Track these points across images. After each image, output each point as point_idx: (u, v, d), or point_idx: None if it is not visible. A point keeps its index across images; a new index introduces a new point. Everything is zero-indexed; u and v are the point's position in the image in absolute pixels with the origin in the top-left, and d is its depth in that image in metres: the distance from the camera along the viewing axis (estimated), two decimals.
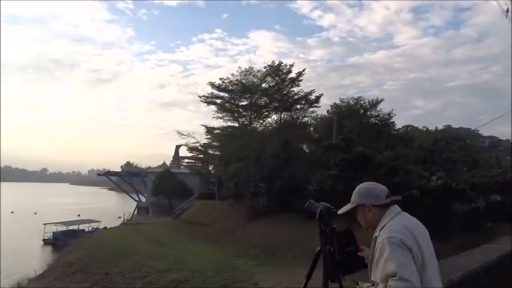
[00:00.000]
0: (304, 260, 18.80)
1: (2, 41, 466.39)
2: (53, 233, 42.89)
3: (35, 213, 69.57)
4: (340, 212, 2.59)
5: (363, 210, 2.47)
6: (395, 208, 2.42)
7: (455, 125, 71.35)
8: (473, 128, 59.21)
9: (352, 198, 2.53)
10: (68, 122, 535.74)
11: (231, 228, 29.90)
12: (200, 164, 51.73)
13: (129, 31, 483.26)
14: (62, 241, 39.12)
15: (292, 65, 37.71)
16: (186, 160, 64.26)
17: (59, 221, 46.10)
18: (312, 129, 41.44)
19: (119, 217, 56.84)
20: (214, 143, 45.34)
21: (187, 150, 50.13)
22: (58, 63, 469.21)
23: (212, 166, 48.78)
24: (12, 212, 71.49)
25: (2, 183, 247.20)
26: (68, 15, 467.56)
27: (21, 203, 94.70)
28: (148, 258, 22.49)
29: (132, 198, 63.27)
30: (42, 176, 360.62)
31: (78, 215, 59.90)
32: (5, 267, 31.33)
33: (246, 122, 39.77)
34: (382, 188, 2.48)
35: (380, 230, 2.31)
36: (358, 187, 2.55)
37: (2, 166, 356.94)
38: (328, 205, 2.59)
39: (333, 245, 2.48)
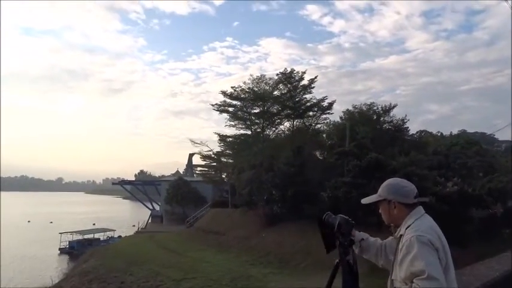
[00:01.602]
0: (319, 268, 18.66)
1: (18, 53, 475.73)
2: (69, 242, 43.33)
3: (51, 222, 70.43)
4: (364, 201, 2.60)
5: (388, 205, 2.47)
6: (421, 209, 2.42)
7: (470, 130, 70.50)
8: (488, 133, 58.45)
9: (380, 191, 2.53)
10: (82, 132, 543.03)
11: (244, 236, 29.86)
12: (213, 172, 51.83)
13: (141, 41, 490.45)
14: (77, 250, 39.54)
15: (304, 72, 37.73)
16: (199, 168, 64.46)
17: (75, 229, 46.64)
18: (324, 135, 41.31)
19: (133, 226, 57.22)
20: (227, 151, 45.46)
21: (201, 158, 50.35)
22: (72, 74, 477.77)
23: (225, 174, 48.84)
24: (28, 221, 72.54)
25: (18, 192, 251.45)
26: (81, 26, 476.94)
27: (37, 212, 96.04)
28: (163, 266, 22.57)
29: (146, 206, 63.66)
30: (58, 185, 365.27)
31: (93, 224, 60.49)
32: (22, 276, 31.81)
33: (259, 130, 39.85)
34: (412, 187, 2.47)
35: (406, 229, 2.31)
36: (387, 181, 2.54)
37: (18, 176, 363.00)
38: (347, 217, 2.57)
39: (353, 257, 2.49)
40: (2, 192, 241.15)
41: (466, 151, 36.69)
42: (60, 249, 42.62)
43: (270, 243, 26.52)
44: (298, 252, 23.41)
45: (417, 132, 47.39)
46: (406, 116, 38.26)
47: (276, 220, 29.09)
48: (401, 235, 2.33)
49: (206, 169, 54.64)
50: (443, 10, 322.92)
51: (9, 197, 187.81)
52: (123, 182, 73.55)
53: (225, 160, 46.81)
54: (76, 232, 45.02)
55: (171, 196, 52.66)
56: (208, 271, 21.27)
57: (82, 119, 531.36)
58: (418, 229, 2.23)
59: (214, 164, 49.71)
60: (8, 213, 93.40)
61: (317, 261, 19.79)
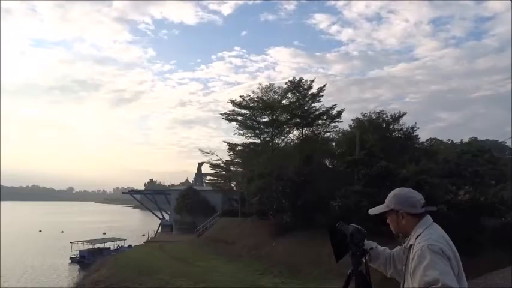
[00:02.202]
0: (330, 278, 18.55)
1: (30, 65, 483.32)
2: (80, 251, 43.45)
3: (62, 231, 70.76)
4: (371, 212, 2.60)
5: (396, 215, 2.47)
6: (429, 218, 2.42)
7: (481, 137, 69.56)
8: (500, 140, 57.75)
9: (387, 202, 2.53)
10: (92, 141, 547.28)
11: (254, 246, 29.77)
12: (223, 181, 51.83)
13: (150, 51, 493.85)
14: (88, 259, 39.64)
15: (312, 81, 37.81)
16: (208, 177, 64.48)
17: (85, 239, 46.79)
18: (334, 144, 41.20)
19: (143, 235, 57.27)
20: (237, 160, 45.54)
21: (210, 167, 50.40)
22: (82, 84, 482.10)
23: (235, 183, 48.83)
24: (40, 231, 72.97)
25: (29, 202, 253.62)
26: (91, 38, 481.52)
27: (48, 221, 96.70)
28: (173, 276, 22.57)
29: (156, 216, 63.73)
30: (69, 195, 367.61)
31: (104, 233, 60.68)
32: (34, 285, 31.97)
33: (268, 139, 39.92)
34: (419, 197, 2.47)
35: (416, 238, 2.30)
36: (394, 192, 2.54)
37: (29, 185, 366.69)
38: (359, 227, 2.58)
39: (366, 267, 2.49)
40: (14, 202, 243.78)
41: (478, 159, 36.31)
42: (71, 258, 42.76)
43: (280, 252, 26.41)
44: (308, 261, 23.27)
45: (427, 140, 47.07)
46: (415, 124, 38.10)
47: (286, 229, 28.96)
48: (411, 245, 2.33)
49: (215, 178, 54.65)
50: (452, 17, 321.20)
51: (20, 207, 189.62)
52: (133, 192, 73.84)
53: (234, 169, 46.83)
54: (87, 241, 45.16)
55: (180, 205, 52.72)
56: (218, 280, 21.23)
57: (92, 128, 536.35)
58: (429, 238, 2.23)
59: (224, 173, 49.75)
60: (19, 223, 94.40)
61: (328, 271, 19.66)
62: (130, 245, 47.85)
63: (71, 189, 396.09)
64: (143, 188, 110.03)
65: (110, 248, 46.06)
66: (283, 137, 40.62)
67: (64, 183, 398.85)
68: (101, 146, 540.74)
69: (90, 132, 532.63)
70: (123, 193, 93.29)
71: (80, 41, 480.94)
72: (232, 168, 47.05)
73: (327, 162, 38.93)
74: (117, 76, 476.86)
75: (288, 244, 26.81)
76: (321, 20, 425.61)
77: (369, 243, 2.63)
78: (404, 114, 38.01)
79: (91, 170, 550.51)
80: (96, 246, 44.91)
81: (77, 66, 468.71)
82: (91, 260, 37.72)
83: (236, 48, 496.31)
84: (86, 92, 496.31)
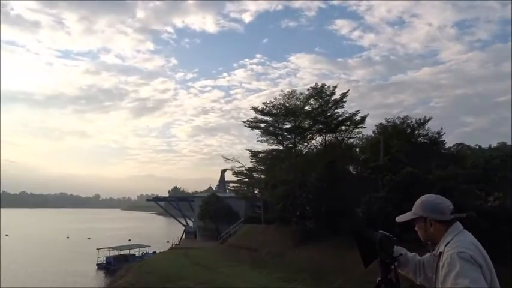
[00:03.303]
0: (355, 285, 18.25)
1: (57, 75, 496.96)
2: (106, 257, 44.14)
3: (89, 238, 72.11)
4: (398, 219, 2.56)
5: (424, 223, 2.42)
6: (458, 225, 2.36)
7: (509, 142, 67.47)
8: None
9: (414, 209, 2.48)
10: (117, 150, 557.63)
11: (278, 253, 29.63)
12: (246, 188, 51.91)
13: (173, 60, 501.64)
14: (114, 265, 40.25)
15: (335, 87, 37.59)
16: (231, 184, 64.71)
17: (111, 245, 47.54)
18: (357, 150, 40.74)
19: (168, 241, 57.86)
20: (259, 167, 45.54)
21: (233, 174, 50.64)
22: (107, 94, 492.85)
23: (258, 190, 48.82)
24: (67, 238, 74.53)
25: (57, 209, 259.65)
26: (115, 48, 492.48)
27: (76, 228, 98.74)
28: (197, 283, 22.67)
29: (180, 222, 64.24)
30: (95, 202, 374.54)
31: (129, 240, 61.51)
32: None
33: (291, 145, 39.81)
34: (447, 204, 2.41)
35: (445, 246, 2.25)
36: (422, 198, 2.49)
37: (57, 193, 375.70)
38: (388, 233, 2.51)
39: (396, 275, 2.43)
40: (43, 209, 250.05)
41: (507, 164, 35.21)
42: (97, 264, 43.49)
43: (304, 259, 26.20)
44: (332, 269, 22.99)
45: (454, 145, 45.96)
46: (441, 129, 37.31)
47: (309, 236, 28.74)
48: (440, 253, 2.27)
49: (238, 185, 54.80)
50: (477, 20, 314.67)
51: (49, 214, 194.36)
52: (157, 199, 74.77)
53: (257, 176, 46.84)
54: (112, 248, 45.88)
55: (204, 212, 53.01)
56: (242, 287, 21.19)
57: (117, 137, 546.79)
58: (459, 245, 2.17)
59: (247, 179, 49.83)
60: (48, 229, 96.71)
61: (352, 279, 19.38)
62: (154, 252, 48.39)
63: (97, 196, 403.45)
64: (167, 195, 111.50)
65: (135, 254, 46.65)
66: (306, 144, 40.49)
67: (90, 191, 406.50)
68: (126, 154, 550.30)
69: (114, 140, 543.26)
70: (147, 200, 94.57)
71: (104, 51, 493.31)
72: (255, 175, 47.07)
73: (350, 168, 38.51)
74: (140, 85, 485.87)
75: (312, 251, 26.57)
76: (342, 26, 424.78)
77: (398, 250, 2.57)
78: (429, 119, 37.28)
79: (116, 178, 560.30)
80: (122, 252, 45.57)
81: (102, 76, 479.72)
82: (117, 266, 38.28)
83: (257, 55, 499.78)
84: (111, 102, 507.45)
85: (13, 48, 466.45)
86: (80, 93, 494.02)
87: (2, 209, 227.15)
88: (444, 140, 38.19)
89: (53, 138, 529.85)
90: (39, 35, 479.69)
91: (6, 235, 78.10)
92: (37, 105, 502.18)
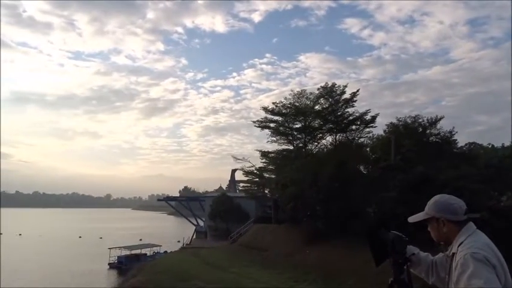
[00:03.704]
0: (366, 286, 18.16)
1: (69, 76, 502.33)
2: (118, 257, 44.50)
3: (101, 237, 72.79)
4: (410, 220, 2.54)
5: (437, 223, 2.40)
6: (472, 225, 2.34)
7: None
8: None
9: (427, 209, 2.46)
10: (128, 150, 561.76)
11: (288, 253, 29.59)
12: (256, 188, 51.94)
13: (183, 60, 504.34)
14: (125, 265, 40.56)
15: (345, 86, 37.51)
16: (242, 184, 64.80)
17: (122, 245, 47.93)
18: (368, 149, 40.52)
19: (178, 241, 58.13)
20: (270, 167, 45.54)
21: (243, 174, 50.68)
22: (118, 94, 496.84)
23: (268, 190, 48.83)
24: (80, 237, 75.30)
25: (69, 209, 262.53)
26: (126, 49, 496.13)
27: (88, 227, 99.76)
28: (207, 282, 22.74)
29: (191, 222, 64.52)
30: (107, 202, 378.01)
31: (140, 239, 61.95)
32: None
33: (301, 145, 39.78)
34: (460, 204, 2.38)
35: (458, 247, 2.23)
36: (435, 198, 2.46)
37: (70, 193, 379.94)
38: (400, 234, 2.50)
39: (408, 276, 2.41)
40: (56, 209, 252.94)
41: None
42: (109, 264, 43.86)
43: (314, 259, 26.13)
44: (343, 269, 22.89)
45: (466, 144, 45.43)
46: (454, 128, 36.93)
47: (320, 236, 28.65)
48: (453, 253, 2.25)
49: (249, 185, 54.83)
50: (489, 18, 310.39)
51: (62, 213, 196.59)
52: (167, 198, 75.20)
53: (267, 176, 46.86)
54: (124, 247, 46.24)
55: (214, 212, 53.15)
56: (252, 287, 21.21)
57: (128, 137, 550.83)
58: (472, 246, 2.15)
59: (257, 179, 49.87)
60: (61, 229, 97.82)
61: (363, 279, 19.28)
62: (166, 251, 48.67)
63: (108, 196, 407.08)
64: (178, 194, 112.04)
65: (146, 254, 46.97)
66: (316, 143, 40.42)
67: (102, 191, 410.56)
68: (137, 154, 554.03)
69: (126, 140, 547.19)
70: (158, 200, 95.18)
71: (115, 52, 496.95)
72: (265, 175, 47.09)
73: (361, 168, 38.31)
74: (151, 86, 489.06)
75: (322, 251, 26.48)
76: (352, 25, 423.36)
77: (410, 249, 2.55)
78: (441, 118, 36.91)
79: (127, 178, 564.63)
80: (133, 252, 45.91)
81: (113, 77, 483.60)
82: (128, 266, 38.57)
83: (267, 55, 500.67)
84: (122, 102, 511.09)
85: (26, 50, 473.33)
86: (92, 94, 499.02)
87: (16, 209, 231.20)
88: (456, 139, 37.78)
89: (65, 139, 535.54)
90: (51, 37, 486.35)
91: (20, 234, 79.23)
92: (49, 106, 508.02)
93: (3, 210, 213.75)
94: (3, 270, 39.31)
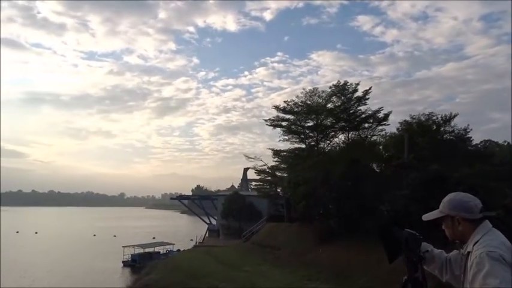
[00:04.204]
0: (379, 285, 18.06)
1: (82, 76, 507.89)
2: (132, 255, 44.91)
3: (115, 236, 73.51)
4: (425, 218, 2.51)
5: (452, 222, 2.36)
6: (487, 224, 2.30)
7: None
8: None
9: (441, 207, 2.42)
10: (141, 149, 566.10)
11: (300, 251, 29.55)
12: (268, 187, 51.95)
13: (195, 59, 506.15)
14: (139, 263, 40.92)
15: (358, 84, 37.29)
16: (254, 183, 64.92)
17: (136, 243, 48.38)
18: (381, 147, 40.20)
19: (191, 240, 58.46)
20: (282, 165, 45.48)
21: (255, 173, 50.75)
22: (131, 94, 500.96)
23: (280, 188, 48.81)
24: (94, 235, 76.18)
25: (85, 207, 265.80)
26: (138, 49, 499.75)
27: (102, 226, 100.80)
28: (220, 281, 22.82)
29: (203, 221, 64.78)
30: (120, 200, 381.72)
31: (153, 238, 62.42)
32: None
33: (313, 143, 39.62)
34: (476, 202, 2.33)
35: (474, 245, 2.19)
36: (449, 196, 2.42)
37: (84, 192, 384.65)
38: (414, 232, 2.47)
39: (423, 274, 2.38)
40: (71, 208, 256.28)
41: None
42: (123, 262, 44.28)
43: (327, 258, 26.05)
44: (356, 267, 22.78)
45: (481, 142, 44.80)
46: (468, 125, 36.43)
47: (332, 235, 28.55)
48: (469, 252, 2.21)
49: (261, 183, 54.88)
50: (504, 13, 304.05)
51: (76, 212, 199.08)
52: (180, 197, 75.57)
53: (279, 174, 46.83)
54: (138, 246, 46.65)
55: (227, 210, 53.29)
56: (265, 286, 21.25)
57: (140, 136, 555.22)
58: (488, 244, 2.11)
59: (269, 178, 49.88)
60: (76, 227, 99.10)
61: (376, 277, 19.17)
62: (178, 249, 48.98)
63: (122, 195, 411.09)
64: (190, 193, 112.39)
65: (159, 252, 47.33)
66: (328, 142, 40.25)
67: (116, 190, 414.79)
68: (149, 153, 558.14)
69: (139, 139, 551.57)
70: (171, 198, 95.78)
71: (127, 52, 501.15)
72: (277, 173, 47.06)
73: (374, 166, 38.05)
74: (163, 85, 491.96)
75: (335, 250, 26.39)
76: (364, 22, 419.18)
77: (424, 246, 2.50)
78: (455, 115, 36.45)
79: (141, 177, 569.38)
80: (147, 250, 46.28)
81: (126, 77, 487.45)
82: (142, 264, 38.90)
83: (278, 53, 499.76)
84: (134, 102, 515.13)
85: (40, 51, 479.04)
86: (105, 94, 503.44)
87: (32, 208, 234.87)
88: (471, 137, 37.25)
89: (80, 138, 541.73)
90: (65, 37, 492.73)
91: (36, 233, 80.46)
92: (64, 106, 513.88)
93: (20, 209, 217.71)
94: (20, 267, 40.09)
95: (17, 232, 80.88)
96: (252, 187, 67.65)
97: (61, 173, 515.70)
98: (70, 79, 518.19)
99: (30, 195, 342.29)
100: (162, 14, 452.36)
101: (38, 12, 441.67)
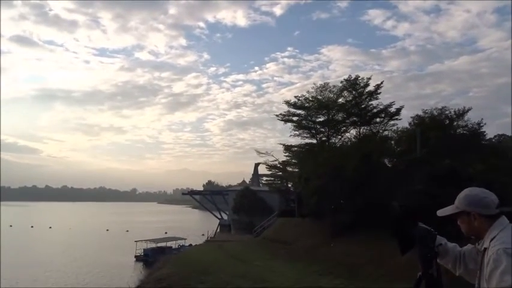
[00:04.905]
0: (392, 279, 18.00)
1: (94, 73, 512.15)
2: (144, 249, 45.36)
3: (127, 230, 74.32)
4: (439, 213, 2.49)
5: (468, 217, 2.34)
6: (504, 220, 2.28)
7: None
8: None
9: (457, 203, 2.40)
10: (152, 144, 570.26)
11: (312, 246, 29.54)
12: (279, 182, 52.00)
13: (205, 55, 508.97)
14: (151, 257, 41.30)
15: (369, 78, 37.00)
16: (265, 178, 65.00)
17: (148, 238, 48.86)
18: (393, 142, 39.90)
19: (203, 234, 58.86)
20: (293, 160, 45.46)
21: (266, 168, 50.86)
22: (142, 90, 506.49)
23: (291, 183, 48.81)
24: (107, 230, 77.12)
25: (98, 203, 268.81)
26: (149, 45, 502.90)
27: (114, 221, 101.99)
28: (232, 276, 22.92)
29: (215, 216, 65.14)
30: (132, 196, 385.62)
31: (165, 233, 62.96)
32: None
33: (324, 138, 39.51)
34: (493, 198, 2.31)
35: (490, 241, 2.17)
36: (465, 192, 2.40)
37: (97, 187, 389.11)
38: (429, 227, 2.47)
39: (438, 270, 2.36)
40: (84, 203, 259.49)
41: None
42: (136, 256, 44.78)
43: (339, 253, 26.00)
44: (368, 262, 22.71)
45: (495, 136, 44.17)
46: (482, 120, 35.94)
47: (344, 230, 28.48)
48: (485, 248, 2.20)
49: (272, 178, 54.97)
50: None
51: (89, 207, 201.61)
52: (192, 192, 76.09)
53: (290, 169, 46.81)
54: (150, 240, 47.08)
55: (238, 205, 53.52)
56: (277, 281, 21.30)
57: (152, 132, 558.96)
58: (504, 241, 2.09)
59: (280, 173, 49.91)
60: (89, 222, 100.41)
61: (389, 272, 19.11)
62: (190, 244, 49.30)
63: (134, 190, 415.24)
64: (201, 188, 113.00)
65: (171, 247, 47.71)
66: (340, 137, 40.06)
67: (128, 185, 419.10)
68: (161, 149, 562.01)
69: (150, 135, 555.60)
70: (182, 194, 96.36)
71: (138, 48, 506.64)
72: (288, 168, 47.05)
73: (386, 161, 37.80)
74: (174, 81, 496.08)
75: (347, 245, 26.32)
76: (375, 16, 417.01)
77: (437, 239, 2.49)
78: (469, 109, 35.98)
79: (152, 172, 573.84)
80: (159, 245, 46.69)
81: (137, 73, 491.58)
82: (154, 258, 39.23)
83: (289, 48, 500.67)
84: (146, 97, 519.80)
85: (52, 48, 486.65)
86: (116, 90, 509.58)
87: (46, 203, 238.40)
88: (485, 131, 36.74)
89: (92, 134, 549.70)
90: (77, 34, 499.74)
91: (50, 227, 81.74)
92: (76, 103, 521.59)
93: (34, 204, 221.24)
94: (35, 262, 40.79)
95: (32, 227, 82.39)
96: (263, 182, 67.72)
97: (74, 169, 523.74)
98: (82, 75, 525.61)
99: (44, 190, 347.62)
100: (172, 10, 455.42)
101: (50, 10, 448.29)
